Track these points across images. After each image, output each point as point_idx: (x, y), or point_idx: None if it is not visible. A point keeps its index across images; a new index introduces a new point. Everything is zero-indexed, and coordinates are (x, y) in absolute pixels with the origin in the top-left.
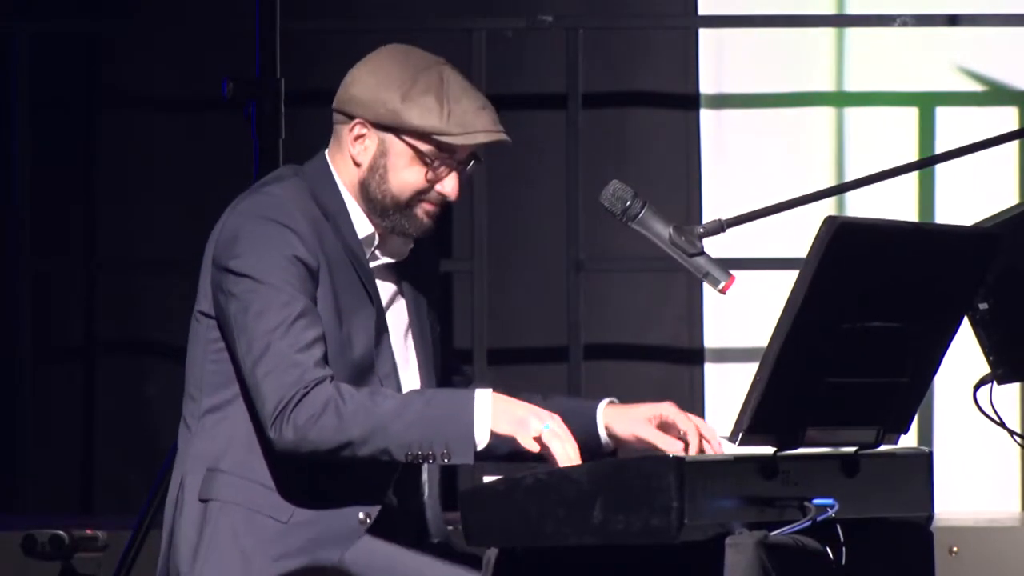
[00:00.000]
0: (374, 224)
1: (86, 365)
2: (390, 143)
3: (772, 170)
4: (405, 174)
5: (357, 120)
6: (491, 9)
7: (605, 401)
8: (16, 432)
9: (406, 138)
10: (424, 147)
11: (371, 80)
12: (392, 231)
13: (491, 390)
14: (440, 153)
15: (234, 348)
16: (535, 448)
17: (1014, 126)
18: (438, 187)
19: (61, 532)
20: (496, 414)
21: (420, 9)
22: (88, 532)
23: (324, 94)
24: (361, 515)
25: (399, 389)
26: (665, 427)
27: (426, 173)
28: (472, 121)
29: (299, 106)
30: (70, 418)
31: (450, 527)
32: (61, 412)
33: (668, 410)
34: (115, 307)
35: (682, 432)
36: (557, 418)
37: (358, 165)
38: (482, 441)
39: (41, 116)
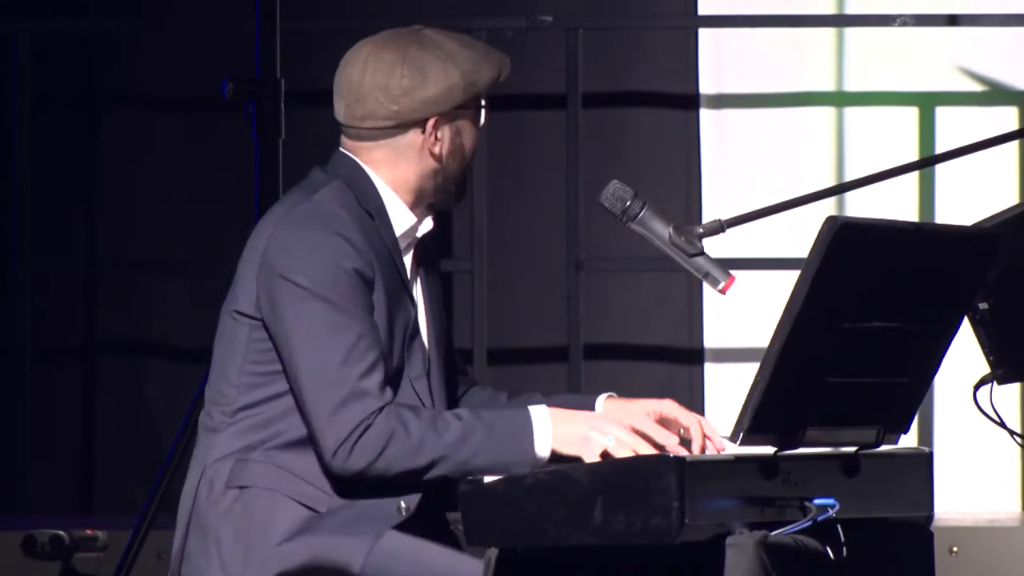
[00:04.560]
0: (414, 210)
1: (86, 365)
2: (461, 118)
3: (772, 170)
4: (471, 135)
5: (432, 119)
6: (491, 9)
7: (604, 396)
8: (16, 432)
9: (469, 106)
10: (478, 100)
11: (423, 74)
12: (442, 205)
13: (546, 407)
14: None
15: (287, 357)
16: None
17: (1014, 126)
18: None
19: (61, 532)
20: (557, 435)
21: (420, 9)
22: (88, 532)
23: (324, 94)
24: (402, 504)
25: (429, 391)
26: (665, 423)
27: (478, 127)
28: (491, 52)
29: (299, 106)
30: (70, 418)
31: (451, 527)
32: (61, 412)
33: (669, 407)
34: (115, 307)
35: (683, 429)
36: (614, 421)
37: (437, 159)
38: (542, 461)
39: (41, 116)
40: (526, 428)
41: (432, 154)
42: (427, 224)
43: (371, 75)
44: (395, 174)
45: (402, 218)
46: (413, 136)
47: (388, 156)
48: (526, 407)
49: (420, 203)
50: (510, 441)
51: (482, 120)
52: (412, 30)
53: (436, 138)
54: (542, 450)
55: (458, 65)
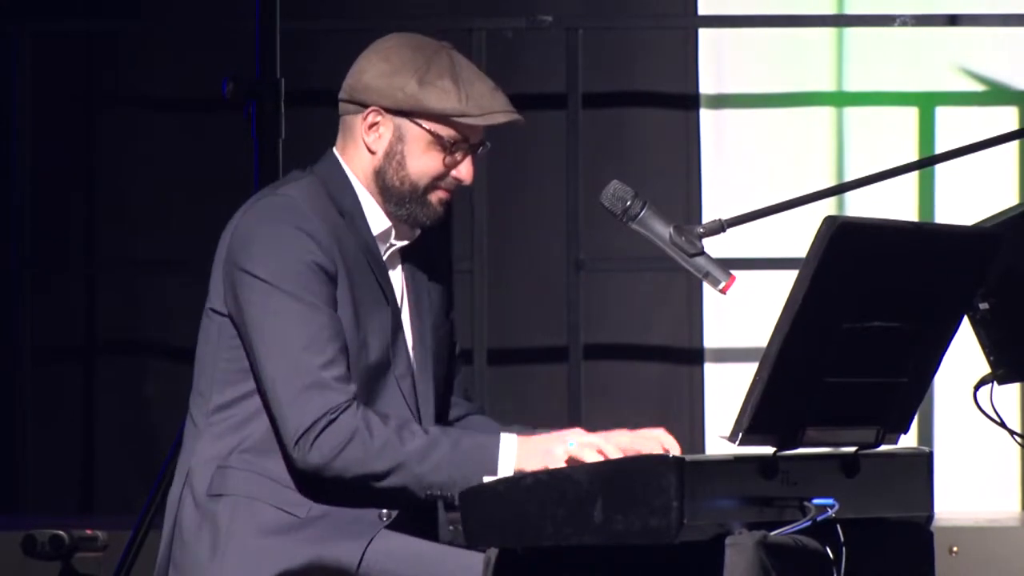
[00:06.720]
0: (388, 215)
1: (86, 365)
2: (407, 129)
3: (772, 170)
4: (423, 160)
5: (372, 108)
6: (491, 9)
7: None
8: (16, 432)
9: (423, 123)
10: (442, 131)
11: (384, 67)
12: (406, 221)
13: (516, 435)
14: (457, 136)
15: (251, 351)
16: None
17: (1014, 126)
18: (454, 172)
19: (61, 532)
20: (521, 456)
21: (420, 9)
22: (88, 532)
23: (324, 94)
24: (383, 511)
25: (414, 389)
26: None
27: (443, 158)
28: (489, 103)
29: (299, 106)
30: (70, 418)
31: (451, 527)
32: (61, 412)
33: (620, 438)
34: (115, 307)
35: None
36: (577, 430)
37: (372, 153)
38: None
39: (41, 116)
40: (491, 450)
41: (367, 146)
42: (407, 234)
43: (370, 52)
44: (353, 165)
45: (377, 220)
46: (353, 118)
47: (341, 137)
48: (498, 432)
49: (392, 206)
50: (473, 461)
51: (442, 150)
52: (441, 42)
53: (372, 129)
54: (504, 472)
55: (426, 79)
